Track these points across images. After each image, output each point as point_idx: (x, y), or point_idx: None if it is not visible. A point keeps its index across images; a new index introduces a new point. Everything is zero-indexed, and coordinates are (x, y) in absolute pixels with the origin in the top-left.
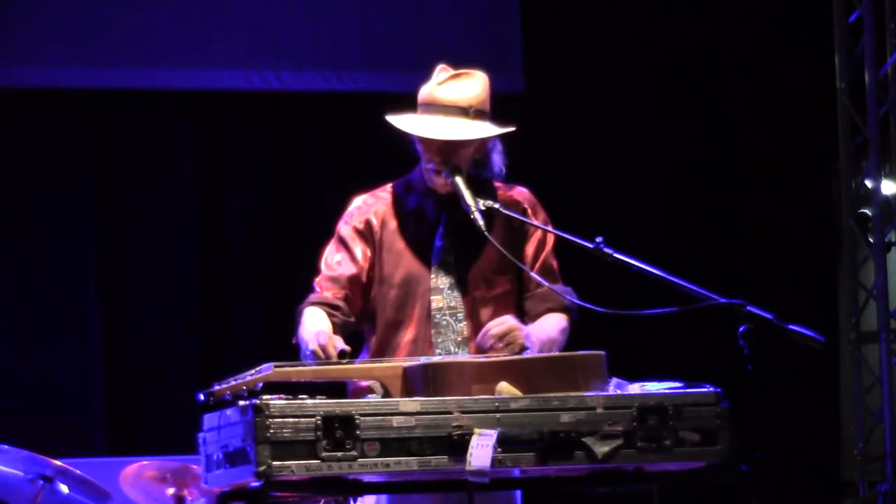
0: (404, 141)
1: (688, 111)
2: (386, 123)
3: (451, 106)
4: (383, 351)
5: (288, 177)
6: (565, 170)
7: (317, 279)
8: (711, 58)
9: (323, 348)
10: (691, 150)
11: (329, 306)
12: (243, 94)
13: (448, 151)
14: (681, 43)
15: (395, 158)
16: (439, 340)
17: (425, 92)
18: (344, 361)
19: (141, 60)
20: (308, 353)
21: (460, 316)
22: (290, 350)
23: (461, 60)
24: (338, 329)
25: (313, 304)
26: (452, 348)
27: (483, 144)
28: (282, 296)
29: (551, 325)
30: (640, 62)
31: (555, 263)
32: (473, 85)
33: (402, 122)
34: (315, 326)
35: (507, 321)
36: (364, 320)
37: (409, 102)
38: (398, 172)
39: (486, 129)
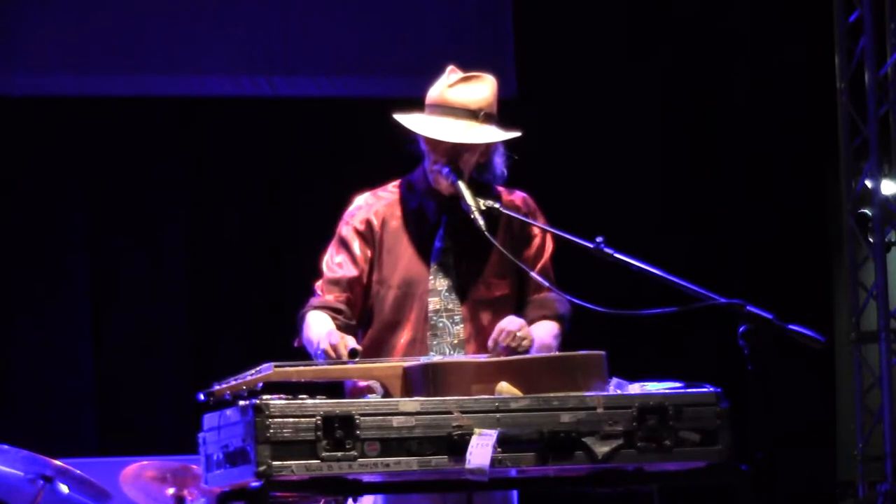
0: (400, 144)
1: (686, 112)
2: (380, 128)
3: (461, 109)
4: (378, 351)
5: (280, 182)
6: (558, 174)
7: (318, 282)
8: (710, 58)
9: (334, 347)
10: (689, 151)
11: (331, 310)
12: (235, 99)
13: (456, 154)
14: (679, 43)
15: (390, 162)
16: (435, 343)
17: (435, 93)
18: (356, 360)
19: (132, 67)
20: (319, 352)
21: (457, 318)
22: (286, 351)
23: (453, 65)
24: (340, 332)
25: (316, 307)
26: (448, 350)
27: (487, 148)
28: (276, 297)
29: (545, 332)
30: (635, 62)
31: (552, 271)
32: (483, 88)
33: (411, 122)
34: (322, 328)
35: (516, 319)
36: (364, 321)
37: (401, 107)
38: (393, 176)
39: (494, 134)
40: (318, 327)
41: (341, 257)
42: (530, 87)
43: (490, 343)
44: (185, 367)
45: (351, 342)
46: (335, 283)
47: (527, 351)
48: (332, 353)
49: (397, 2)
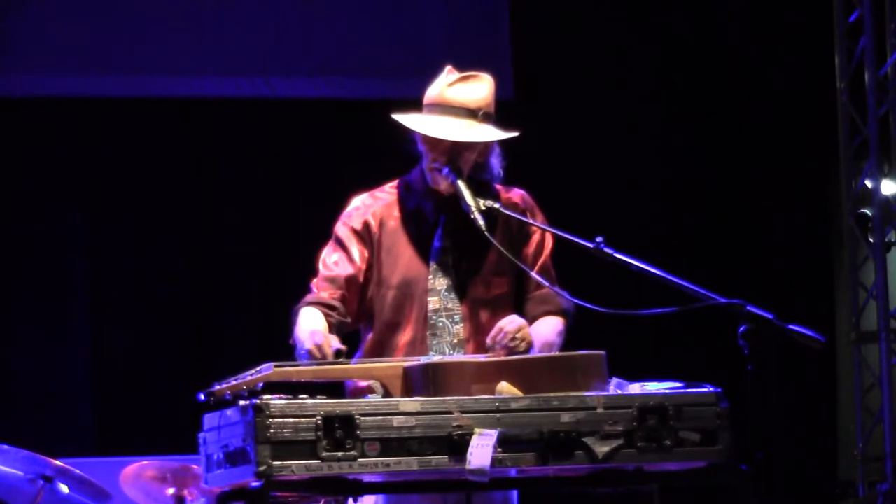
0: (399, 145)
1: (685, 112)
2: (377, 128)
3: (460, 108)
4: (380, 352)
5: (278, 183)
6: (556, 175)
7: (314, 280)
8: (710, 58)
9: (319, 347)
10: (689, 151)
11: (325, 306)
12: (234, 100)
13: (455, 153)
14: (679, 43)
15: (389, 163)
16: (434, 342)
17: (434, 92)
18: (340, 361)
19: (131, 69)
20: (304, 352)
21: (457, 318)
22: (286, 351)
23: (451, 65)
24: (333, 329)
25: (309, 304)
26: (448, 350)
27: (486, 147)
28: (275, 298)
29: (549, 329)
30: (635, 62)
31: (553, 268)
32: (482, 87)
33: (411, 121)
34: (310, 326)
35: (516, 319)
36: (361, 321)
37: (399, 108)
38: (392, 177)
39: (493, 133)
40: (307, 325)
41: (337, 256)
42: (527, 88)
43: (488, 341)
44: (185, 367)
45: (335, 342)
46: (331, 280)
47: (526, 352)
48: (318, 354)
49: (395, 3)
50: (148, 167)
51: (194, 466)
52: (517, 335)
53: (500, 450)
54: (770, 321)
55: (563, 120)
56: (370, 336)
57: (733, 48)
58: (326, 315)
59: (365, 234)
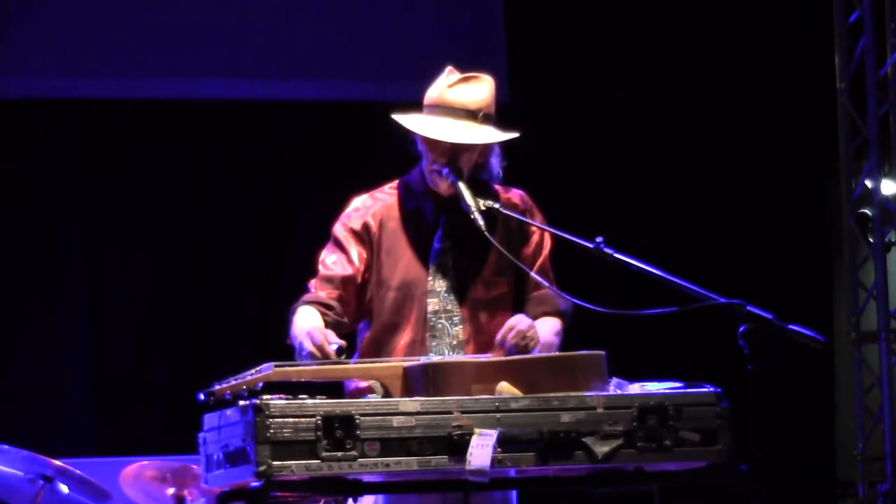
0: (397, 147)
1: (685, 112)
2: (374, 130)
3: (460, 109)
4: (379, 353)
5: (276, 184)
6: (553, 177)
7: (312, 280)
8: (709, 57)
9: (319, 347)
10: (689, 151)
11: (322, 305)
12: (231, 102)
13: (455, 154)
14: (678, 43)
15: (385, 165)
16: (434, 344)
17: (434, 93)
18: (342, 359)
19: (128, 71)
20: (305, 353)
21: (456, 319)
22: (286, 351)
23: (451, 66)
24: (330, 328)
25: (306, 302)
26: (447, 351)
27: (485, 148)
28: (274, 298)
29: (548, 329)
30: (630, 63)
31: (551, 269)
32: (482, 88)
33: (411, 122)
34: (308, 324)
35: (525, 318)
36: (358, 321)
37: (396, 110)
38: (388, 179)
39: (493, 134)
40: (304, 323)
41: (336, 256)
42: (523, 90)
43: (498, 338)
44: (185, 367)
45: (333, 338)
46: (328, 280)
47: (531, 351)
48: (318, 354)
49: (391, 6)
50: (146, 168)
51: (194, 466)
52: (528, 333)
53: (500, 450)
54: (770, 321)
55: (558, 121)
56: (367, 336)
57: (734, 47)
58: (323, 314)
59: (364, 236)
